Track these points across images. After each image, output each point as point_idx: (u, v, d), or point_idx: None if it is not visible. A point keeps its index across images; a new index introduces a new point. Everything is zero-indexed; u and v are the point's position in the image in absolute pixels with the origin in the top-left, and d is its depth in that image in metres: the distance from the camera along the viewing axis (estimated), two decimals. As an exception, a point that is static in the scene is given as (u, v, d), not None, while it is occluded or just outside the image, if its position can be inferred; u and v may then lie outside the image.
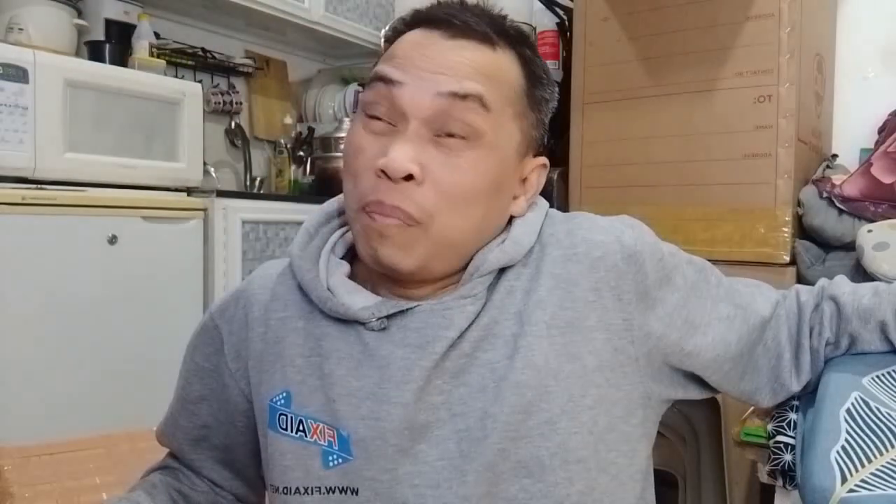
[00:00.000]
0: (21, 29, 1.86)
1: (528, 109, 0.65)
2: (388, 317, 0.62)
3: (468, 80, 0.59)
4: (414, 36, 0.63)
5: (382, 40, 0.68)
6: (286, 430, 0.64)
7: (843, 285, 0.70)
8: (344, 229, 0.70)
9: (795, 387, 0.69)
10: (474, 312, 0.62)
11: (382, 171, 0.58)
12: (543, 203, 0.70)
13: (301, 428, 0.63)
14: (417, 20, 0.64)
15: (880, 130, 1.45)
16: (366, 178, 0.60)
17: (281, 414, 0.65)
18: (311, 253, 0.68)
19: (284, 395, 0.65)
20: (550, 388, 0.60)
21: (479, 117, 0.59)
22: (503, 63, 0.63)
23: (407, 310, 0.62)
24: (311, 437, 0.63)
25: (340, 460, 0.61)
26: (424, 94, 0.59)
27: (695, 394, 0.71)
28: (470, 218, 0.61)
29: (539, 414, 0.60)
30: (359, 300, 0.63)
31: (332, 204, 0.72)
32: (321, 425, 0.62)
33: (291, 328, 0.67)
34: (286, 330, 0.67)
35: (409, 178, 0.58)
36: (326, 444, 0.62)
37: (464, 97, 0.59)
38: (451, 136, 0.59)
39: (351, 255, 0.70)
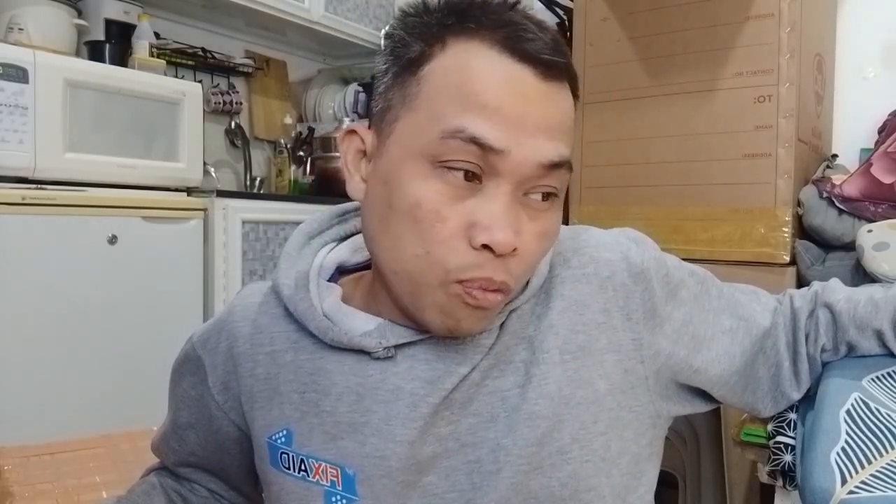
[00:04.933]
0: (21, 29, 1.86)
1: None
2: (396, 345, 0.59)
3: (563, 145, 0.54)
4: (498, 67, 0.52)
5: (407, 28, 0.56)
6: (289, 469, 0.62)
7: (837, 291, 0.69)
8: (327, 249, 0.66)
9: (796, 395, 0.69)
10: (489, 345, 0.59)
11: (485, 246, 0.51)
12: None
13: (303, 467, 0.61)
14: (488, 31, 0.52)
15: (880, 130, 1.45)
16: (453, 249, 0.52)
17: (283, 452, 0.62)
18: (298, 278, 0.63)
19: (284, 433, 0.62)
20: (563, 416, 0.58)
21: (564, 180, 0.55)
22: (571, 100, 0.56)
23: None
24: (313, 477, 0.60)
25: (344, 501, 0.59)
26: (525, 163, 0.52)
27: (701, 407, 0.70)
28: (533, 271, 0.59)
29: (551, 444, 0.58)
30: (359, 324, 0.60)
31: (311, 224, 0.68)
32: (323, 464, 0.60)
33: (281, 363, 0.63)
34: (276, 365, 0.64)
35: (513, 250, 0.52)
36: (329, 483, 0.60)
37: (559, 165, 0.53)
38: (539, 196, 0.54)
39: (337, 276, 0.67)
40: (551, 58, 0.52)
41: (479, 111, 0.51)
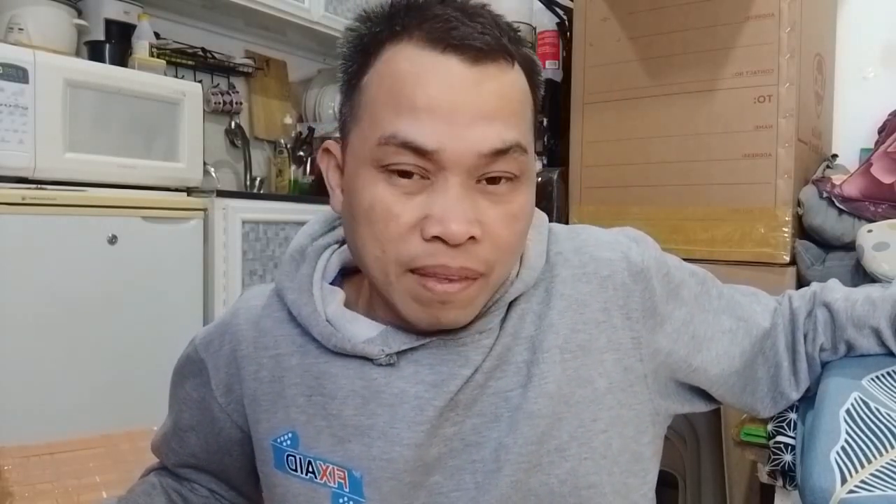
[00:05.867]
0: (21, 29, 1.86)
1: (535, 119, 0.60)
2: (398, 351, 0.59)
3: (507, 129, 0.53)
4: (423, 63, 0.53)
5: (348, 44, 0.58)
6: (295, 470, 0.62)
7: (835, 291, 0.69)
8: (331, 250, 0.67)
9: (795, 395, 0.69)
10: (489, 346, 0.59)
11: (437, 238, 0.52)
12: (543, 217, 0.66)
13: (311, 469, 0.61)
14: (414, 31, 0.53)
15: (880, 130, 1.45)
16: (407, 243, 0.53)
17: (289, 455, 0.63)
18: (301, 282, 0.64)
19: (290, 435, 0.63)
20: (562, 415, 0.58)
21: (520, 162, 0.55)
22: (520, 81, 0.56)
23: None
24: (321, 479, 0.61)
25: (352, 503, 0.60)
26: (465, 154, 0.52)
27: (700, 406, 0.70)
28: (517, 256, 0.60)
29: (549, 442, 0.58)
30: (362, 331, 0.60)
31: (314, 225, 0.68)
32: (331, 466, 0.60)
33: (286, 366, 0.64)
34: (281, 369, 0.64)
35: (470, 238, 0.53)
36: (336, 485, 0.60)
37: (506, 151, 0.53)
38: (495, 181, 0.54)
39: (340, 278, 0.67)
40: (478, 43, 0.52)
41: (410, 113, 0.52)
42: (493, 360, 0.59)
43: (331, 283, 0.66)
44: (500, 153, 0.53)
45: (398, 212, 0.53)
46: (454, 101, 0.52)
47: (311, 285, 0.63)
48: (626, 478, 0.62)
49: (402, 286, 0.55)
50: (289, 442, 0.63)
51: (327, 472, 0.60)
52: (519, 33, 0.58)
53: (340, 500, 0.60)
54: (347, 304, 0.63)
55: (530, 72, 0.58)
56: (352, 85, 0.57)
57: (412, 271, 0.54)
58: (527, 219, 0.58)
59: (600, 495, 0.59)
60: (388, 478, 0.58)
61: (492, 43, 0.53)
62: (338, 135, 0.62)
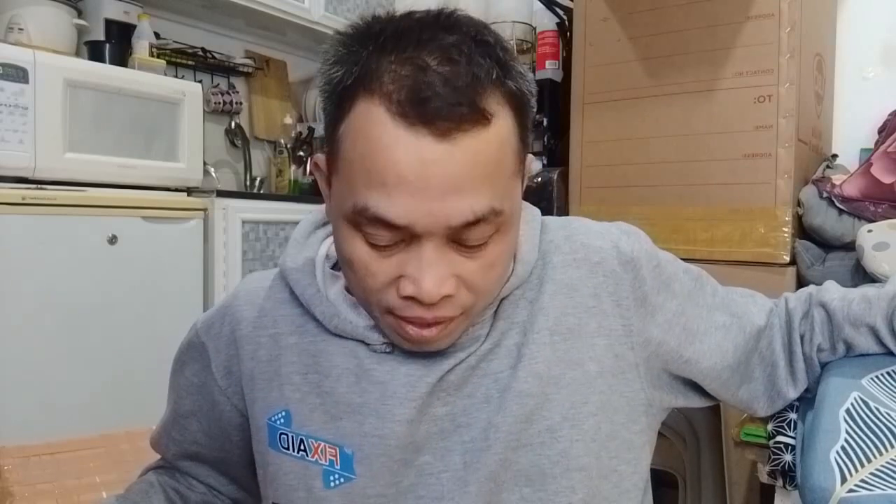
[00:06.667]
0: (21, 29, 1.86)
1: (523, 147, 0.57)
2: None
3: (478, 199, 0.52)
4: (392, 136, 0.50)
5: (323, 86, 0.56)
6: (287, 449, 0.63)
7: (832, 291, 0.70)
8: (333, 238, 0.67)
9: (792, 394, 0.69)
10: (485, 334, 0.61)
11: (413, 298, 0.53)
12: (535, 212, 0.67)
13: (302, 447, 0.62)
14: (384, 79, 0.51)
15: (880, 130, 1.45)
16: (385, 294, 0.55)
17: (282, 433, 0.64)
18: (305, 264, 0.65)
19: (283, 413, 0.64)
20: (551, 395, 0.59)
21: (495, 223, 0.54)
22: (501, 133, 0.53)
23: None
24: (312, 457, 0.62)
25: (342, 480, 0.60)
26: (436, 226, 0.52)
27: (695, 401, 0.71)
28: (499, 288, 0.60)
29: (540, 422, 0.59)
30: (362, 319, 0.61)
31: (318, 214, 0.69)
32: (322, 444, 0.61)
33: (284, 345, 0.65)
34: (278, 348, 0.65)
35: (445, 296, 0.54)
36: (328, 463, 0.61)
37: (477, 222, 0.52)
38: (466, 241, 0.54)
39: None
40: (450, 119, 0.50)
41: (380, 187, 0.51)
42: (487, 346, 0.61)
43: (332, 269, 0.67)
44: (472, 224, 0.52)
45: (375, 270, 0.55)
46: (424, 176, 0.50)
47: (314, 268, 0.65)
48: (616, 464, 0.62)
49: (385, 323, 0.58)
50: (282, 420, 0.64)
51: (319, 450, 0.61)
52: (508, 55, 0.54)
53: (331, 478, 0.61)
54: (348, 290, 0.64)
55: (518, 103, 0.55)
56: (331, 126, 0.56)
57: (391, 314, 0.56)
58: (506, 261, 0.58)
59: (589, 479, 0.60)
60: (379, 454, 0.59)
61: (465, 113, 0.50)
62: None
